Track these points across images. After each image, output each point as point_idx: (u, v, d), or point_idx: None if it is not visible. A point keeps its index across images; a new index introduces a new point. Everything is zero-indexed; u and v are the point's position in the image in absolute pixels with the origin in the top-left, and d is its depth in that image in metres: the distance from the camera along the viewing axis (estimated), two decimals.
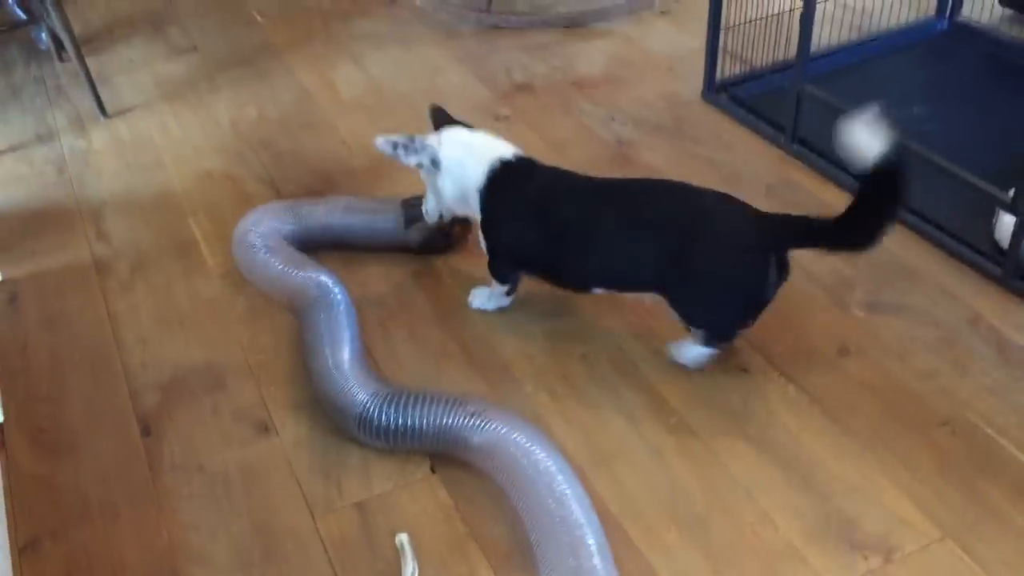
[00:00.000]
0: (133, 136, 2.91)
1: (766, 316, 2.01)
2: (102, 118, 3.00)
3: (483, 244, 2.07)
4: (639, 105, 2.91)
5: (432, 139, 2.04)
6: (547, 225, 1.95)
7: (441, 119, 2.12)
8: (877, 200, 1.75)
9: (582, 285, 2.04)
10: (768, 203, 2.46)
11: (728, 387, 1.96)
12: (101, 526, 1.75)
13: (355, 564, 1.66)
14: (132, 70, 3.27)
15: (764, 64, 2.86)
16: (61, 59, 3.32)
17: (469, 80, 3.10)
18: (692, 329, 1.94)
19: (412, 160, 2.01)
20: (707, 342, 1.94)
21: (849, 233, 1.80)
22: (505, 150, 2.02)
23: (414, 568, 1.63)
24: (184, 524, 1.74)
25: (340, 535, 1.71)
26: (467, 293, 2.22)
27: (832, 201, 2.45)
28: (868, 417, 1.88)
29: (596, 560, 1.52)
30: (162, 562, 1.68)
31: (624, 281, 1.98)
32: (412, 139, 2.00)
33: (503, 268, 2.09)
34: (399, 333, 2.14)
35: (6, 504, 1.79)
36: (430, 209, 2.14)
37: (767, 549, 1.65)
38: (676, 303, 1.90)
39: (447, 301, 2.22)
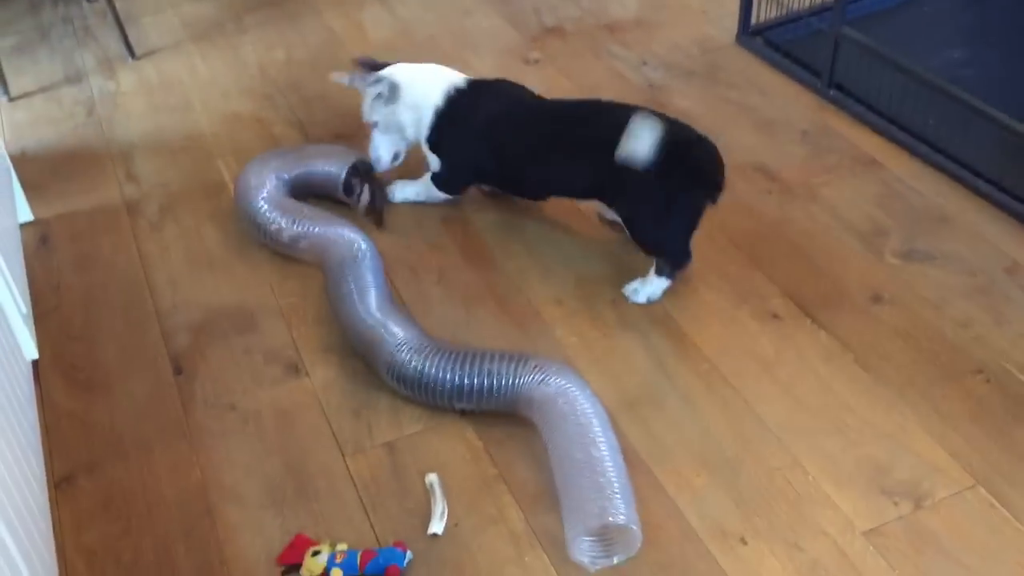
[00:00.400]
0: (161, 78, 2.90)
1: (800, 261, 1.99)
2: (130, 59, 2.98)
3: (433, 162, 2.24)
4: (672, 49, 2.86)
5: (384, 73, 2.20)
6: (498, 141, 2.14)
7: (373, 66, 2.24)
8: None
9: (536, 194, 2.23)
10: (803, 149, 2.43)
11: (759, 333, 1.95)
12: (135, 462, 1.78)
13: (385, 502, 1.67)
14: (159, 11, 3.25)
15: (801, 7, 2.79)
16: (89, 0, 3.30)
17: (498, 23, 3.05)
18: (655, 267, 2.02)
19: (374, 89, 2.17)
20: (661, 271, 2.01)
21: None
22: (457, 77, 2.20)
23: (443, 508, 1.64)
24: (216, 461, 1.76)
25: (370, 474, 1.72)
26: (496, 238, 2.22)
27: (870, 148, 2.41)
28: (901, 365, 1.86)
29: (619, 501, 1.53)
30: (195, 498, 1.70)
31: (570, 191, 2.15)
32: (368, 74, 2.18)
33: (456, 180, 2.27)
34: (428, 277, 2.14)
35: (42, 440, 1.82)
36: (382, 155, 2.26)
37: (796, 494, 1.65)
38: (621, 214, 2.03)
39: (476, 246, 2.21)
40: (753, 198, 2.29)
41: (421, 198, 2.33)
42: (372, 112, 2.21)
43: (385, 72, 2.20)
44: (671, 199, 1.95)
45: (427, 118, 2.19)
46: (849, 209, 2.23)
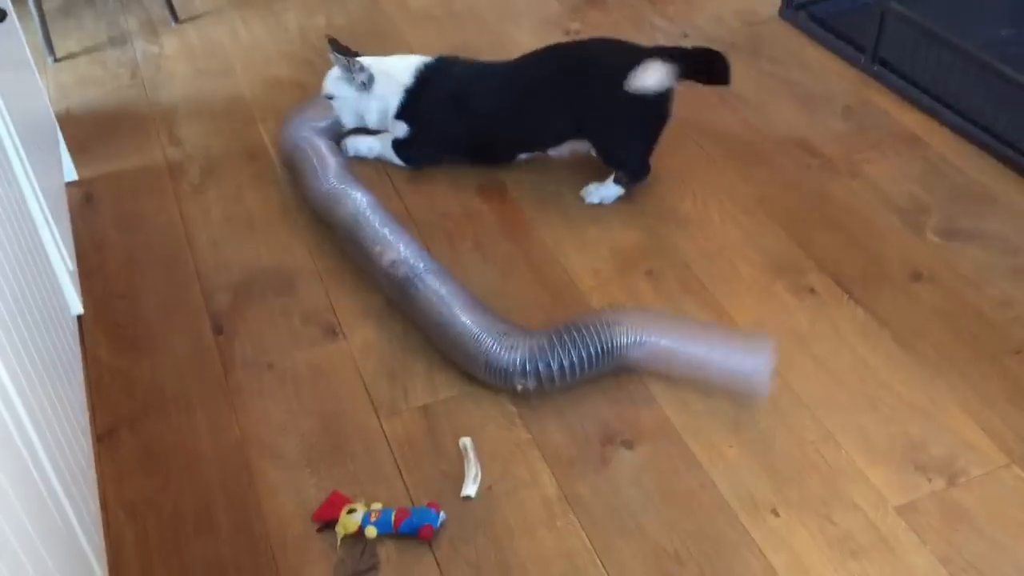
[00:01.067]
0: (203, 42, 2.92)
1: (839, 237, 1.98)
2: (173, 23, 3.01)
3: (401, 131, 2.32)
4: (714, 22, 2.83)
5: (365, 62, 2.29)
6: (469, 105, 2.25)
7: (340, 48, 2.31)
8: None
9: (508, 156, 2.34)
10: (845, 125, 2.41)
11: (795, 307, 1.94)
12: (175, 418, 1.81)
13: (419, 463, 1.70)
14: None
15: None
16: None
17: None
18: (614, 176, 2.21)
19: (351, 75, 2.26)
20: (619, 180, 2.20)
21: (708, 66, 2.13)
22: (424, 57, 2.31)
23: (477, 471, 1.66)
24: (255, 419, 1.80)
25: (405, 436, 1.74)
26: (532, 207, 2.22)
27: (913, 125, 2.39)
28: (938, 343, 1.85)
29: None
30: (234, 454, 1.74)
31: (549, 141, 2.26)
32: (355, 63, 2.26)
33: (421, 150, 2.35)
34: (464, 244, 2.15)
35: (86, 394, 1.85)
36: (347, 120, 2.35)
37: (829, 467, 1.65)
38: (597, 141, 2.19)
39: (512, 213, 2.22)
40: (793, 173, 2.28)
41: (374, 154, 2.39)
42: (334, 88, 2.30)
43: (366, 61, 2.29)
44: (640, 117, 2.15)
45: (395, 103, 2.28)
46: (890, 186, 2.21)
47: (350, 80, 2.27)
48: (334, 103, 2.33)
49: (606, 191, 2.21)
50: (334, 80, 2.30)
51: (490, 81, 2.27)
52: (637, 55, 2.07)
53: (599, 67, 2.13)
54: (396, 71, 2.29)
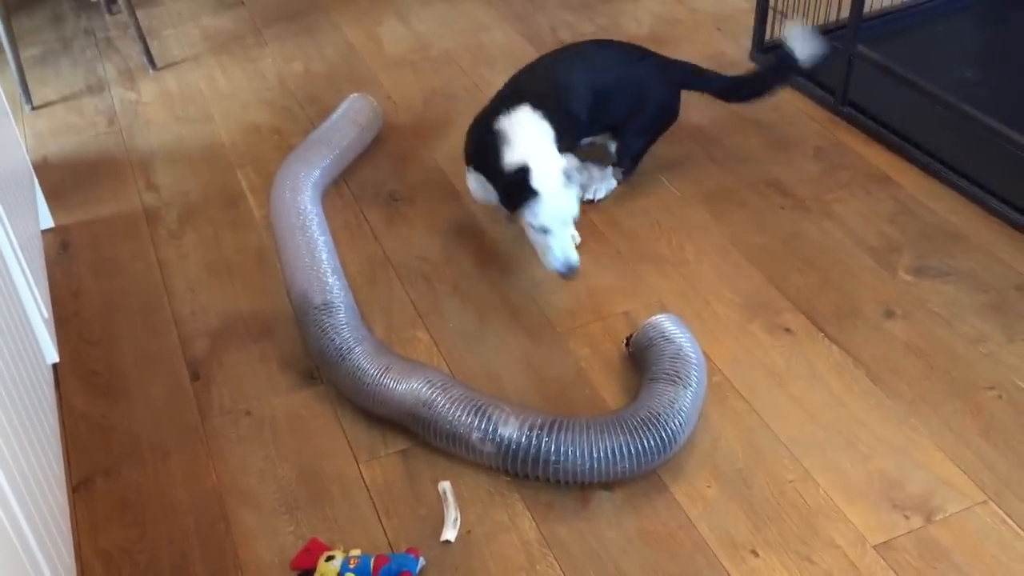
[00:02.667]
0: (181, 89, 2.94)
1: (812, 276, 2.00)
2: (151, 70, 3.03)
3: (608, 179, 2.39)
4: None
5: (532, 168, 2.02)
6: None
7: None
8: (773, 79, 2.44)
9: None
10: (816, 166, 2.45)
11: (771, 347, 1.96)
12: (152, 466, 1.80)
13: (398, 509, 1.69)
14: (180, 23, 3.30)
15: (815, 24, 2.81)
16: (110, 12, 3.35)
17: (514, 38, 3.08)
18: (612, 170, 2.38)
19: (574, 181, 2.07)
20: (617, 175, 2.38)
21: (735, 92, 2.46)
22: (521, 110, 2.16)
23: (456, 515, 1.66)
24: (232, 466, 1.78)
25: (384, 481, 1.74)
26: (510, 249, 2.24)
27: (883, 165, 2.43)
28: (913, 380, 1.87)
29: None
30: (211, 502, 1.72)
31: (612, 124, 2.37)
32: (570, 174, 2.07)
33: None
34: (443, 287, 2.16)
35: (62, 443, 1.84)
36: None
37: (808, 506, 1.65)
38: (624, 135, 2.36)
39: (490, 255, 2.24)
40: (766, 213, 2.31)
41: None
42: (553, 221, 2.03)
43: (529, 163, 2.02)
44: (663, 113, 2.40)
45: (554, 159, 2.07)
46: (862, 225, 2.24)
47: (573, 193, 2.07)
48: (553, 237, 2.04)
49: (607, 184, 2.37)
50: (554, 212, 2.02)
51: (575, 80, 2.27)
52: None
53: (648, 58, 2.37)
54: (536, 143, 2.08)
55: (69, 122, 2.82)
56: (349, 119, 2.50)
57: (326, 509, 1.70)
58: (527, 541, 1.63)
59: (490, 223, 2.33)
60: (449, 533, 1.63)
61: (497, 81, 2.84)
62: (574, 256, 2.02)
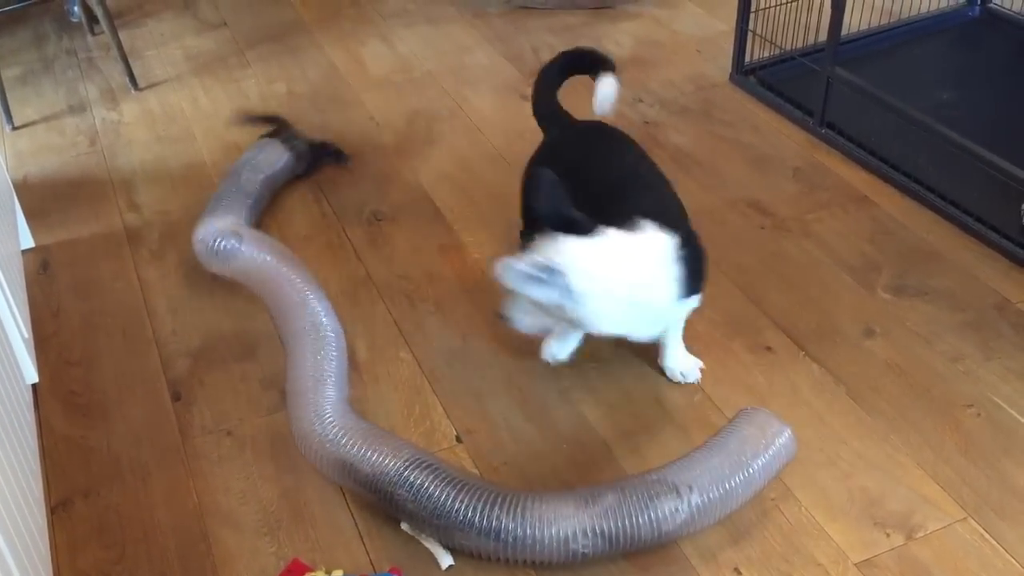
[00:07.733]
0: (163, 109, 2.94)
1: (793, 295, 2.01)
2: (133, 91, 3.02)
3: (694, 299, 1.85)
4: (666, 87, 2.91)
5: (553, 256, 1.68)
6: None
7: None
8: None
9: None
10: (796, 186, 2.48)
11: (752, 365, 1.97)
12: (132, 487, 1.79)
13: (381, 530, 1.68)
14: (162, 44, 3.30)
15: (793, 47, 2.85)
16: (93, 32, 3.35)
17: (496, 59, 3.10)
18: None
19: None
20: None
21: None
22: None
23: (435, 542, 1.65)
24: (213, 487, 1.77)
25: (366, 501, 1.73)
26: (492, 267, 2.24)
27: (861, 185, 2.45)
28: (892, 398, 1.88)
29: None
30: (192, 523, 1.71)
31: None
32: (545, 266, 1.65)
33: None
34: (425, 307, 2.16)
35: (41, 464, 1.82)
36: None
37: (789, 524, 1.66)
38: None
39: (473, 275, 2.24)
40: (747, 233, 2.33)
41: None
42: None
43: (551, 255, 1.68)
44: None
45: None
46: (841, 245, 2.27)
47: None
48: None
49: None
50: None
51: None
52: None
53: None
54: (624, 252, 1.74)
55: (50, 142, 2.81)
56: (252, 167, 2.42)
57: (308, 530, 1.69)
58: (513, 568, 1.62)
59: (473, 243, 2.34)
60: (445, 559, 1.61)
61: (479, 103, 2.85)
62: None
